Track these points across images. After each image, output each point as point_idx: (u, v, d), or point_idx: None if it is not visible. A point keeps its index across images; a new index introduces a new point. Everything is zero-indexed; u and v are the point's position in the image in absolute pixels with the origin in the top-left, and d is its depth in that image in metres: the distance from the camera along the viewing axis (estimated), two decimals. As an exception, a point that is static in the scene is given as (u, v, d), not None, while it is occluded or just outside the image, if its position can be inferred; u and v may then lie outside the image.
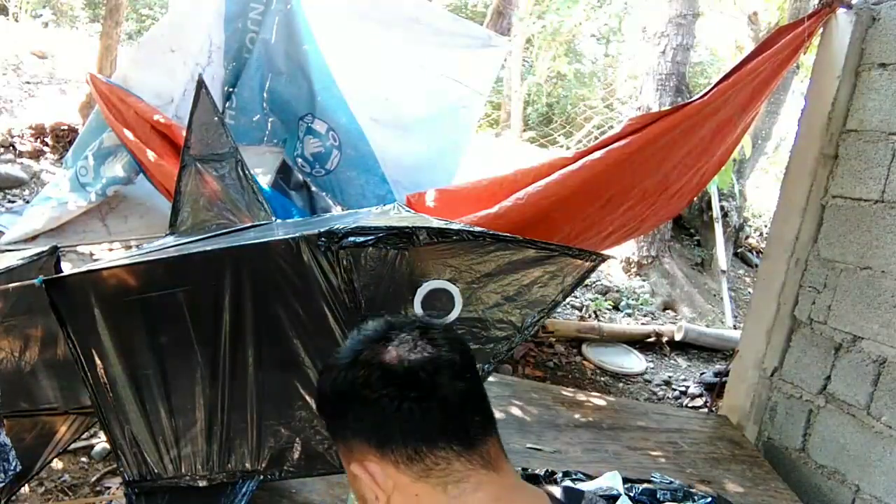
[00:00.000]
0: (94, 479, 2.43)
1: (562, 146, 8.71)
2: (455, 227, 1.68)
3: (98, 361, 1.66)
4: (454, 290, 1.63)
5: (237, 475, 1.71)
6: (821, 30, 2.76)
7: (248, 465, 1.71)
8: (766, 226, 6.98)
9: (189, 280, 1.65)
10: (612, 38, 12.42)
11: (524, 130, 9.84)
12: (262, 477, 1.72)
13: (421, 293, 1.63)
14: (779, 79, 2.86)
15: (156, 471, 1.71)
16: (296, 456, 1.71)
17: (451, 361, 0.80)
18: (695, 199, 5.73)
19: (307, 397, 1.66)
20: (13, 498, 2.26)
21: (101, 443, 2.60)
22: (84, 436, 2.63)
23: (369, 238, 1.57)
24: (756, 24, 6.44)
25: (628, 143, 2.71)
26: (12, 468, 2.07)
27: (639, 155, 2.74)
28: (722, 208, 6.03)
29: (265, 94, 3.86)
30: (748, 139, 5.38)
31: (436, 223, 1.72)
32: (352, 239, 1.56)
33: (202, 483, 1.71)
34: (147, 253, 1.88)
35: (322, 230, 1.58)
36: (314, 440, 1.70)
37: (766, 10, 6.36)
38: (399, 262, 1.60)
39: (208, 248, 1.72)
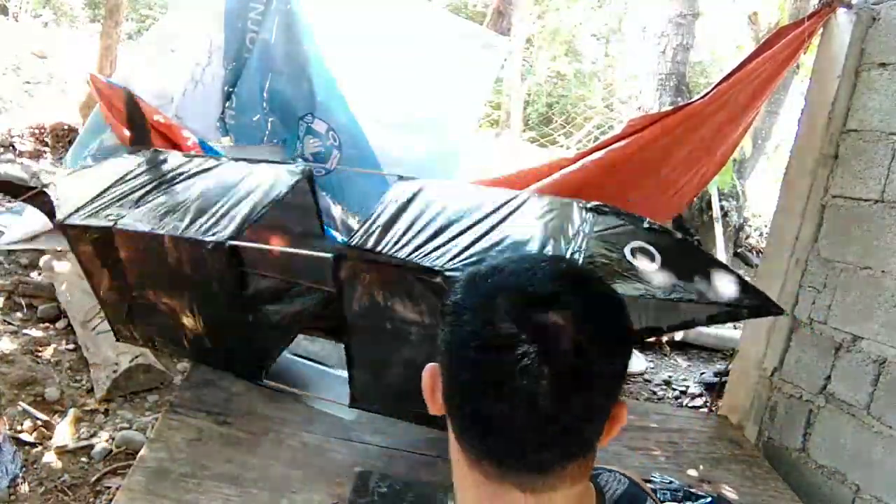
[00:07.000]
0: (93, 479, 2.43)
1: (562, 146, 8.71)
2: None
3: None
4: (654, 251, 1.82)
5: None
6: (821, 30, 2.76)
7: None
8: (766, 226, 6.97)
9: None
10: (612, 38, 12.41)
11: (524, 130, 9.83)
12: None
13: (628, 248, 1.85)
14: (779, 79, 2.86)
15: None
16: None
17: None
18: (695, 198, 5.72)
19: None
20: (13, 498, 2.26)
21: (100, 443, 2.60)
22: (84, 436, 2.64)
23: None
24: (756, 24, 6.43)
25: (629, 143, 2.71)
26: (15, 468, 2.07)
27: (639, 155, 2.74)
28: (722, 208, 6.02)
29: (265, 94, 3.85)
30: (748, 139, 5.38)
31: None
32: None
33: None
34: None
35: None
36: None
37: (766, 10, 6.35)
38: None
39: None
